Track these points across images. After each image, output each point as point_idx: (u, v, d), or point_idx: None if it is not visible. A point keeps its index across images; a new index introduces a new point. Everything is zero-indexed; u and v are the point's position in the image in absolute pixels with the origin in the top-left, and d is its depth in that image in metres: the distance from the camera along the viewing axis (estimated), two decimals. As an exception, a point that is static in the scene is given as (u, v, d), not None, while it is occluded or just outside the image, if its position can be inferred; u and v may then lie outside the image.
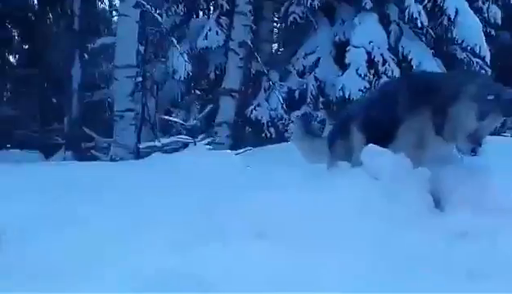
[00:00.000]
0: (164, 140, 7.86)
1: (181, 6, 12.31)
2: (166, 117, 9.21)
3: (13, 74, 16.00)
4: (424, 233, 3.61)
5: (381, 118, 4.18)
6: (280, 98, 11.46)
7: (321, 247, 3.36)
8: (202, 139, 7.95)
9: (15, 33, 16.47)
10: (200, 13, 12.80)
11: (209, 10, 12.06)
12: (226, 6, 11.56)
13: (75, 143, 12.23)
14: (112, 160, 9.24)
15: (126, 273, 2.71)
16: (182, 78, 10.95)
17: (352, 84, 11.00)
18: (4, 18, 15.23)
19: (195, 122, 8.48)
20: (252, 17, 11.53)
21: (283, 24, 12.86)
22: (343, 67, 11.39)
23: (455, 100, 3.86)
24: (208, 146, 7.46)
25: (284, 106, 11.41)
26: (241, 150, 7.84)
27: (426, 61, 11.49)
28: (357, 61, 11.20)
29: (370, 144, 3.99)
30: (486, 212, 3.80)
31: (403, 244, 3.49)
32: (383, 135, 4.10)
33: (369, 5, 11.40)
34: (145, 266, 2.75)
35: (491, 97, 3.80)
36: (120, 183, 4.46)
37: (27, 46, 16.46)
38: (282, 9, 12.22)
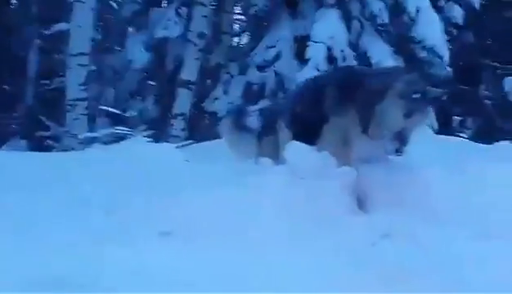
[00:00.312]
0: (105, 131, 7.69)
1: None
2: (104, 107, 9.02)
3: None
4: (345, 233, 3.53)
5: (308, 113, 4.08)
6: (239, 91, 11.33)
7: (231, 246, 3.26)
8: (143, 130, 7.79)
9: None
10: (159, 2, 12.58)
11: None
12: (186, -4, 11.40)
13: (30, 132, 12.00)
14: (63, 150, 9.05)
15: (5, 277, 2.54)
16: (139, 68, 10.81)
17: (311, 80, 10.86)
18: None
19: (133, 113, 8.30)
20: (212, 8, 11.37)
21: (245, 17, 12.73)
22: (304, 62, 11.27)
23: (381, 97, 3.76)
24: (147, 138, 7.30)
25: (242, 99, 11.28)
26: (183, 143, 7.70)
27: (386, 59, 11.39)
28: (317, 57, 11.07)
29: (294, 141, 3.89)
30: (409, 213, 3.74)
31: (323, 243, 3.40)
32: (310, 132, 4.01)
33: (330, 0, 11.29)
34: (30, 269, 2.60)
35: (417, 95, 3.72)
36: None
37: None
38: (244, 1, 12.08)
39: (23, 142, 11.87)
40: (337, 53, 11.21)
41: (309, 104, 4.10)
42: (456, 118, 16.04)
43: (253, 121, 4.69)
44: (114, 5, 10.30)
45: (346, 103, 3.89)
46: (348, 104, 3.89)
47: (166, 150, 5.74)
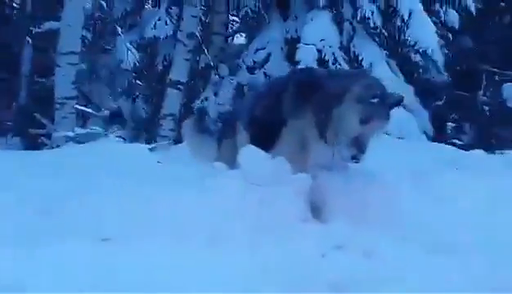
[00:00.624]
0: (80, 131, 7.63)
1: (131, -7, 12.08)
2: (79, 106, 8.97)
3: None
4: (295, 242, 3.45)
5: (266, 116, 4.00)
6: (229, 93, 11.27)
7: (171, 248, 3.20)
8: (115, 130, 7.72)
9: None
10: (150, 2, 12.52)
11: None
12: (177, -5, 11.35)
13: (23, 129, 11.95)
14: (52, 148, 8.99)
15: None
16: (129, 68, 10.77)
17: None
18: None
19: (106, 112, 8.24)
20: (203, 9, 11.32)
21: (236, 18, 12.68)
22: (294, 64, 11.19)
23: (338, 101, 3.67)
24: (119, 138, 7.25)
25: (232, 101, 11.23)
26: (156, 144, 7.63)
27: (378, 62, 11.32)
28: (307, 59, 10.98)
29: (249, 146, 3.81)
30: (364, 224, 3.66)
31: (270, 250, 3.33)
32: (268, 136, 3.93)
33: (322, 2, 11.23)
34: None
35: (375, 100, 3.63)
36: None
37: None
38: (235, 1, 12.01)
39: (16, 139, 11.83)
40: (328, 56, 11.14)
41: (268, 106, 4.01)
42: (452, 125, 15.93)
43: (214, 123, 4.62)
44: (105, 4, 10.21)
45: (304, 106, 3.80)
46: (306, 108, 3.80)
47: (136, 151, 5.69)
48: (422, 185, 3.95)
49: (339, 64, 11.08)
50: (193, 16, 11.12)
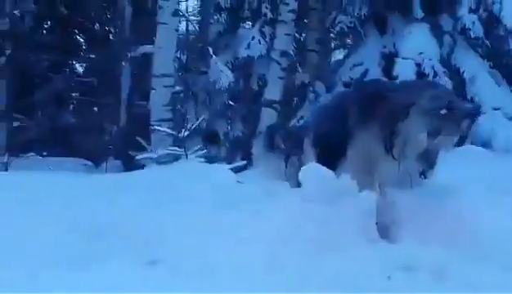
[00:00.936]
0: (161, 152, 7.63)
1: (224, 15, 12.05)
2: (157, 128, 8.96)
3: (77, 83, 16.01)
4: (358, 263, 3.22)
5: (331, 132, 3.79)
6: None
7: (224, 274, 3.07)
8: (196, 151, 7.66)
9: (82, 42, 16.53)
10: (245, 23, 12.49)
11: (254, 18, 11.70)
12: (270, 14, 11.24)
13: (123, 152, 12.15)
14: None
15: None
16: (224, 89, 10.77)
17: (400, 97, 10.45)
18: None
19: (186, 133, 8.18)
20: (296, 26, 11.19)
21: (330, 34, 12.48)
22: (392, 79, 10.86)
23: (404, 114, 3.42)
24: (200, 159, 7.17)
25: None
26: (235, 164, 7.50)
27: (481, 74, 10.85)
28: (406, 74, 10.64)
29: (311, 163, 3.61)
30: (435, 245, 3.39)
31: (331, 275, 3.12)
32: (334, 152, 3.72)
33: (420, 15, 10.87)
34: None
35: (444, 111, 3.35)
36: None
37: (92, 55, 16.52)
38: (329, 18, 11.81)
39: (118, 162, 12.04)
40: (427, 69, 10.74)
41: (333, 121, 3.81)
42: None
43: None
44: (195, 26, 10.26)
45: (369, 120, 3.57)
46: (371, 121, 3.56)
47: (215, 171, 5.60)
48: (501, 202, 3.62)
49: (439, 78, 10.67)
50: (286, 34, 11.00)
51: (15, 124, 12.67)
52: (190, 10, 13.69)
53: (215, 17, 12.04)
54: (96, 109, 14.36)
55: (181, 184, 4.81)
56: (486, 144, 9.84)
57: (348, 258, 3.23)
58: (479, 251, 3.26)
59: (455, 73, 10.93)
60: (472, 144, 9.28)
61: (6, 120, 12.42)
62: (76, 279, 2.81)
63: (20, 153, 11.53)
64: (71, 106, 16.18)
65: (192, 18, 12.60)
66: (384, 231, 3.46)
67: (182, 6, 13.18)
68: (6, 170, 9.49)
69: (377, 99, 3.58)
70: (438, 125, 3.35)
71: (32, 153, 11.95)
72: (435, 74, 10.74)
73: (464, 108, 3.42)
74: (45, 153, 12.38)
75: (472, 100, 9.95)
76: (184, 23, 11.78)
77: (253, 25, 11.74)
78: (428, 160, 3.41)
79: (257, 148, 4.58)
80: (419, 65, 10.76)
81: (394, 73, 10.70)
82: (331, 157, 3.69)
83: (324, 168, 3.52)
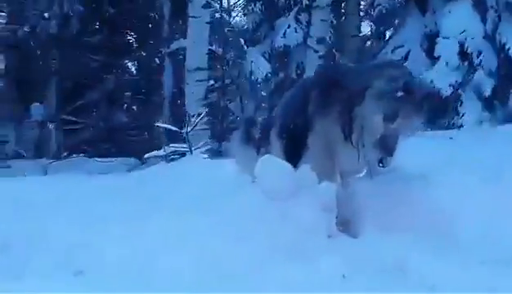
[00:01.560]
0: (168, 149, 7.48)
1: (258, 5, 11.77)
2: (162, 125, 8.80)
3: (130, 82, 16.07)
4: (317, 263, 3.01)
5: (293, 122, 3.56)
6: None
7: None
8: (201, 146, 7.47)
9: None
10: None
11: (290, 7, 11.38)
12: (305, 1, 10.94)
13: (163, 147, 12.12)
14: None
15: None
16: (260, 80, 10.59)
17: (442, 78, 10.03)
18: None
19: (190, 130, 7.97)
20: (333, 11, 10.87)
21: (369, 18, 12.09)
22: (435, 60, 10.43)
23: (359, 99, 3.16)
24: (204, 155, 6.99)
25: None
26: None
27: (530, 50, 10.27)
28: (448, 54, 10.21)
29: (268, 155, 3.40)
30: (398, 236, 3.15)
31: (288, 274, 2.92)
32: (298, 143, 3.50)
33: (462, -9, 10.38)
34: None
35: (400, 93, 3.08)
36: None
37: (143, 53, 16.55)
38: (368, 1, 11.44)
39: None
40: (471, 48, 10.25)
41: (294, 111, 3.58)
42: None
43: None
44: (226, 17, 10.08)
45: (326, 107, 3.33)
46: (329, 108, 3.32)
47: (219, 168, 5.45)
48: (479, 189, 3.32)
49: (484, 56, 10.18)
50: (323, 20, 10.70)
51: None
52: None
53: (250, 7, 11.80)
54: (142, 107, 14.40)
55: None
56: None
57: (307, 257, 3.01)
58: (438, 242, 2.99)
59: (500, 51, 10.39)
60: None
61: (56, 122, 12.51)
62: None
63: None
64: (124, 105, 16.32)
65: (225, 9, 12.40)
66: (345, 225, 3.22)
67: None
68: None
69: (335, 84, 3.34)
70: (395, 108, 3.07)
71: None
72: (479, 53, 10.26)
73: (421, 90, 3.12)
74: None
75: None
76: (217, 15, 11.55)
77: (288, 13, 11.46)
78: (386, 147, 3.13)
79: (233, 140, 4.36)
80: (461, 44, 10.29)
81: (436, 54, 10.27)
82: (295, 148, 3.46)
83: (280, 161, 3.31)
